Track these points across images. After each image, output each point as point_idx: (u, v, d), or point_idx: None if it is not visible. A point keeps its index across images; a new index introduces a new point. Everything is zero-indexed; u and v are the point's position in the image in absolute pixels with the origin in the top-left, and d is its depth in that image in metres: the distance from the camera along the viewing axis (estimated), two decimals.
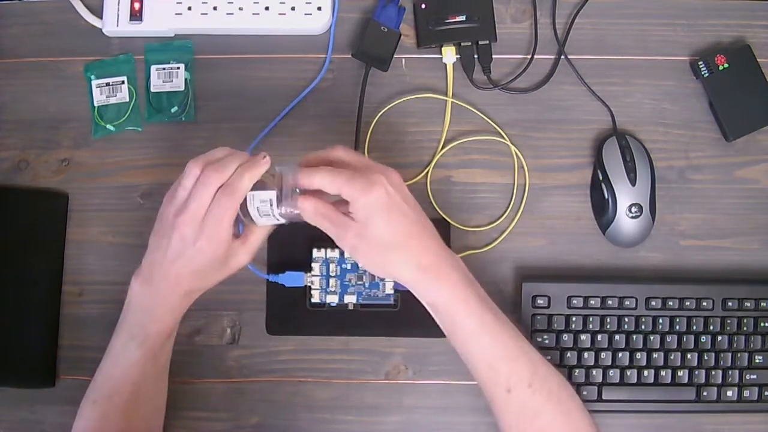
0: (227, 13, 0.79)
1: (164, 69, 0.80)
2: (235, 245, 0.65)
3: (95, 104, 0.79)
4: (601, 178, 0.76)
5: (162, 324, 0.65)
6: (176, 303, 0.66)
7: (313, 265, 0.75)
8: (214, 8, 0.79)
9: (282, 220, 0.64)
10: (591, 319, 0.74)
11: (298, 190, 0.63)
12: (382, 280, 0.75)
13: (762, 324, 0.74)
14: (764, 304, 0.74)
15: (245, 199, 0.63)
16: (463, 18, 0.78)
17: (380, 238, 0.61)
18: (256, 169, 0.63)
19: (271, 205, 0.63)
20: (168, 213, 0.63)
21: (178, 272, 0.64)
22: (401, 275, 0.62)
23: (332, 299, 0.75)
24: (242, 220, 0.65)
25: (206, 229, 0.62)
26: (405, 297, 0.75)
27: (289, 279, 0.75)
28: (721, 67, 0.77)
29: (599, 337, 0.74)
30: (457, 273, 0.63)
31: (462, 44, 0.79)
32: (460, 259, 0.64)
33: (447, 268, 0.63)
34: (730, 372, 0.74)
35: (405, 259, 0.62)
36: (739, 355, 0.74)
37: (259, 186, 0.63)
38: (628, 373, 0.74)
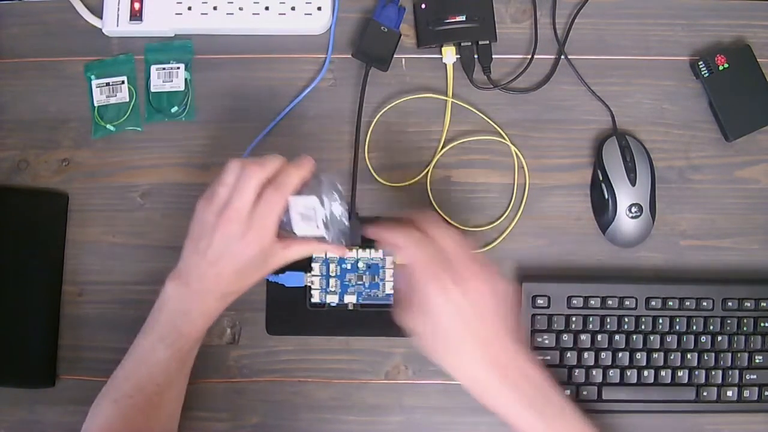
0: (227, 13, 0.79)
1: (164, 69, 0.80)
2: (277, 247, 0.65)
3: (95, 104, 0.79)
4: (601, 178, 0.76)
5: (194, 327, 0.66)
6: (212, 305, 0.66)
7: (313, 265, 0.75)
8: (214, 8, 0.79)
9: (321, 231, 0.64)
10: (591, 319, 0.74)
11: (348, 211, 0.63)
12: (382, 279, 0.75)
13: (762, 324, 0.74)
14: (764, 304, 0.74)
15: (289, 206, 0.63)
16: (463, 18, 0.78)
17: (440, 336, 0.60)
18: (303, 167, 0.63)
19: (315, 211, 0.63)
20: (208, 214, 0.63)
21: (219, 272, 0.64)
22: (458, 377, 0.61)
23: (332, 299, 0.75)
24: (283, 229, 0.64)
25: (254, 223, 0.62)
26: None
27: (289, 279, 0.75)
28: (721, 67, 0.77)
29: (599, 337, 0.74)
30: (516, 392, 0.60)
31: (462, 44, 0.79)
32: (534, 370, 0.61)
33: (495, 376, 0.61)
34: (730, 372, 0.74)
35: (463, 366, 0.61)
36: (739, 355, 0.74)
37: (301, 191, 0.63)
38: (628, 373, 0.74)
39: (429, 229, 0.62)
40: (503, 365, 0.61)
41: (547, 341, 0.74)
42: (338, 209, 0.64)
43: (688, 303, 0.74)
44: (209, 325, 0.67)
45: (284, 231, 0.65)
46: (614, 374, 0.74)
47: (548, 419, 0.60)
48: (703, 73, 0.78)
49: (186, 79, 0.80)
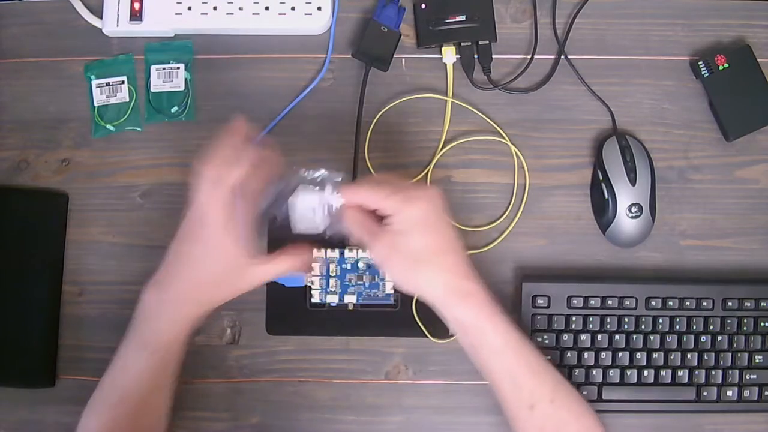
0: (227, 13, 0.79)
1: (164, 69, 0.80)
2: (259, 261, 0.65)
3: (95, 104, 0.79)
4: (601, 178, 0.76)
5: (174, 333, 0.65)
6: (191, 312, 0.66)
7: (313, 265, 0.75)
8: (214, 8, 0.79)
9: (320, 226, 0.65)
10: (591, 319, 0.74)
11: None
12: (383, 279, 0.75)
13: (762, 324, 0.74)
14: (764, 304, 0.74)
15: (289, 205, 0.63)
16: (463, 18, 0.78)
17: (414, 251, 0.62)
18: (242, 158, 0.62)
19: (314, 210, 0.63)
20: (190, 219, 0.63)
21: (196, 279, 0.64)
22: (430, 290, 0.63)
23: (332, 299, 0.75)
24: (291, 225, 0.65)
25: (226, 236, 0.62)
26: (405, 297, 0.75)
27: (289, 279, 0.75)
28: (721, 67, 0.77)
29: (599, 337, 0.74)
30: (483, 292, 0.63)
31: (462, 44, 0.79)
32: (483, 282, 0.64)
33: (475, 286, 0.63)
34: (730, 372, 0.74)
35: (436, 274, 0.62)
36: (739, 355, 0.74)
37: (294, 186, 0.64)
38: (628, 373, 0.74)
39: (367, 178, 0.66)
40: (467, 274, 0.63)
41: (547, 341, 0.74)
42: (337, 201, 0.64)
43: (688, 303, 0.74)
44: (191, 331, 0.67)
45: (283, 226, 0.65)
46: (614, 374, 0.74)
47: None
48: (703, 73, 0.78)
49: (186, 79, 0.80)
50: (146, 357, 0.65)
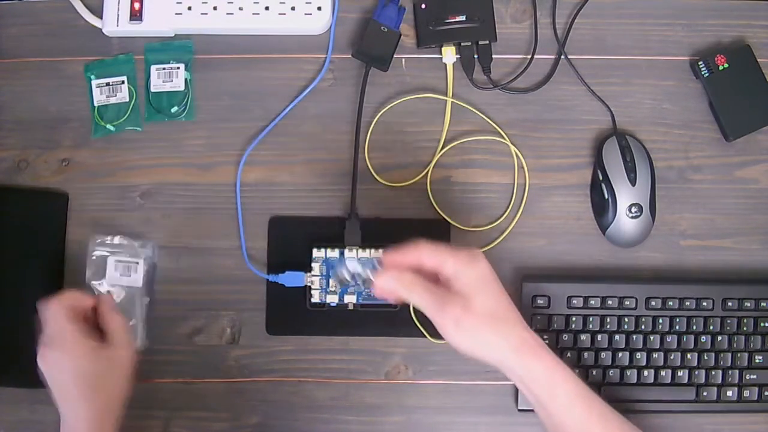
0: (227, 13, 0.79)
1: (164, 69, 0.80)
2: (104, 345, 0.66)
3: (95, 104, 0.79)
4: (601, 178, 0.76)
5: None
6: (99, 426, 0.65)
7: (313, 265, 0.75)
8: (214, 8, 0.79)
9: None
10: (591, 319, 0.74)
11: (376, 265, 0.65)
12: None
13: (762, 324, 0.74)
14: (764, 304, 0.74)
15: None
16: (463, 18, 0.78)
17: (487, 309, 0.61)
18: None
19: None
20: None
21: (77, 394, 0.65)
22: (504, 344, 0.61)
23: (332, 299, 0.75)
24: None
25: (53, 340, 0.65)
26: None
27: (289, 279, 0.75)
28: (721, 67, 0.77)
29: (599, 337, 0.74)
30: (545, 346, 0.63)
31: (462, 44, 0.79)
32: None
33: (539, 339, 0.63)
34: (730, 372, 0.74)
35: (509, 330, 0.62)
36: (739, 355, 0.74)
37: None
38: (628, 373, 0.74)
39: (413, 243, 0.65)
40: (530, 331, 0.63)
41: (547, 341, 0.73)
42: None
43: (688, 303, 0.74)
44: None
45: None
46: (614, 374, 0.74)
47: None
48: (703, 73, 0.78)
49: (186, 79, 0.80)
50: None
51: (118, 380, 0.67)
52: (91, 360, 0.65)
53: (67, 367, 0.65)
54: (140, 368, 0.76)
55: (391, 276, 0.63)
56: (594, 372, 0.74)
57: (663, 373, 0.74)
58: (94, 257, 0.76)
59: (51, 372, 0.66)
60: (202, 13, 0.79)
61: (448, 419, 0.76)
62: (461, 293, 0.61)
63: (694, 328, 0.74)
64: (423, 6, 0.79)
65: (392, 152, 0.79)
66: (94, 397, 0.65)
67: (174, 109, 0.79)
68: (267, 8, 0.79)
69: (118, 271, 0.76)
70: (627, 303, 0.74)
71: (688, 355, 0.74)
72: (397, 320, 0.75)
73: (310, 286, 0.75)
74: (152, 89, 0.80)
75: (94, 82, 0.80)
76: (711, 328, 0.74)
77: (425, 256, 0.63)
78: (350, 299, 0.75)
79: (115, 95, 0.80)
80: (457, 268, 0.61)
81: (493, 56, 0.79)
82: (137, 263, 0.76)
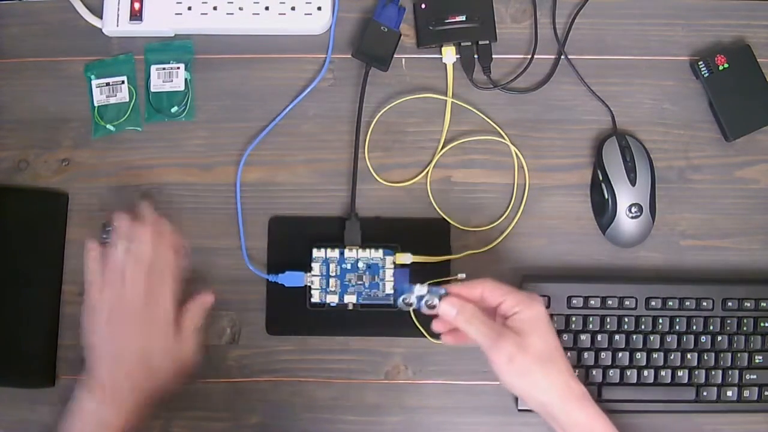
0: (227, 13, 0.79)
1: (164, 69, 0.80)
2: (178, 338, 0.68)
3: (95, 104, 0.79)
4: (601, 178, 0.76)
5: None
6: (131, 407, 0.65)
7: (313, 265, 0.75)
8: (214, 8, 0.79)
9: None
10: (591, 319, 0.74)
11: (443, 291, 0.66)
12: (382, 279, 0.75)
13: (762, 324, 0.74)
14: (764, 304, 0.74)
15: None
16: (463, 18, 0.78)
17: (540, 351, 0.63)
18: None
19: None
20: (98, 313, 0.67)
21: (131, 377, 0.65)
22: (552, 389, 0.63)
23: (332, 299, 0.75)
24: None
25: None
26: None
27: (289, 279, 0.75)
28: (721, 67, 0.77)
29: (599, 337, 0.74)
30: (589, 396, 0.64)
31: (462, 44, 0.79)
32: None
33: (584, 388, 0.64)
34: (729, 372, 0.74)
35: (557, 375, 0.63)
36: (738, 355, 0.74)
37: None
38: (628, 373, 0.74)
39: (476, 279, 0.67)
40: (577, 383, 0.64)
41: None
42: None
43: (688, 303, 0.74)
44: (137, 426, 0.66)
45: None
46: (614, 374, 0.74)
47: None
48: (703, 73, 0.78)
49: (186, 79, 0.80)
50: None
51: (170, 380, 0.68)
52: (165, 348, 0.67)
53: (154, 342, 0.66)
54: None
55: (454, 305, 0.65)
56: (594, 372, 0.74)
57: (663, 373, 0.74)
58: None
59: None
60: (202, 13, 0.79)
61: (448, 419, 0.76)
62: (516, 330, 0.63)
63: (694, 328, 0.74)
64: (423, 6, 0.79)
65: (392, 152, 0.79)
66: (146, 382, 0.66)
67: (174, 109, 0.79)
68: (267, 8, 0.79)
69: None
70: (627, 303, 0.74)
71: (688, 355, 0.74)
72: (397, 320, 0.75)
73: (310, 286, 0.75)
74: (152, 89, 0.80)
75: (94, 82, 0.80)
76: (711, 328, 0.74)
77: (488, 290, 0.65)
78: (350, 299, 0.75)
79: (115, 95, 0.80)
80: (516, 307, 0.64)
81: (493, 56, 0.79)
82: None
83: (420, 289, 0.66)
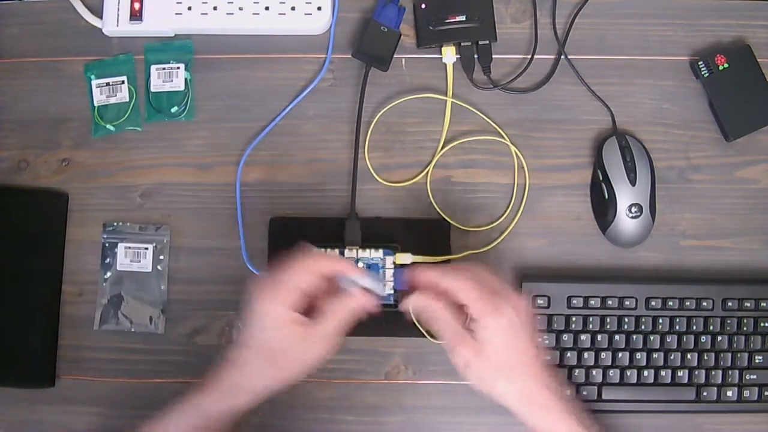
0: (227, 13, 0.79)
1: (164, 69, 0.80)
2: (309, 332, 0.63)
3: (95, 104, 0.79)
4: (601, 178, 0.76)
5: (214, 403, 0.64)
6: (234, 386, 0.64)
7: None
8: (214, 8, 0.79)
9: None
10: (591, 319, 0.74)
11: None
12: (383, 279, 0.75)
13: (762, 324, 0.74)
14: (764, 304, 0.74)
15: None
16: (463, 18, 0.78)
17: (497, 360, 0.63)
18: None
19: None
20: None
21: (246, 349, 0.64)
22: (507, 397, 0.64)
23: None
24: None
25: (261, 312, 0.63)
26: (405, 297, 0.75)
27: None
28: (721, 67, 0.77)
29: (599, 337, 0.74)
30: (559, 404, 0.64)
31: (462, 44, 0.79)
32: (562, 389, 0.65)
33: (551, 397, 0.64)
34: (730, 372, 0.74)
35: (514, 384, 0.63)
36: (739, 355, 0.74)
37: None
38: (628, 373, 0.74)
39: (460, 266, 0.66)
40: (547, 384, 0.64)
41: (547, 341, 0.74)
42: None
43: (688, 303, 0.74)
44: (231, 416, 0.64)
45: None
46: (614, 374, 0.74)
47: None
48: (703, 73, 0.78)
49: (186, 79, 0.80)
50: (189, 421, 0.64)
51: (302, 363, 0.65)
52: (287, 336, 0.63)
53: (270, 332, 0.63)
54: (140, 368, 0.76)
55: (422, 300, 0.65)
56: (594, 372, 0.74)
57: (663, 373, 0.74)
58: (106, 244, 0.76)
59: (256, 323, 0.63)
60: (202, 13, 0.79)
61: (448, 419, 0.76)
62: (478, 338, 0.63)
63: (694, 328, 0.74)
64: (423, 6, 0.79)
65: (392, 152, 0.79)
66: (270, 372, 0.64)
67: (174, 109, 0.79)
68: (267, 8, 0.79)
69: (128, 257, 0.76)
70: (627, 303, 0.74)
71: (688, 355, 0.74)
72: (397, 320, 0.75)
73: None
74: (152, 89, 0.80)
75: (94, 82, 0.80)
76: (711, 328, 0.74)
77: (457, 292, 0.63)
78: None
79: (115, 95, 0.80)
80: (480, 315, 0.63)
81: (493, 56, 0.79)
82: (146, 249, 0.76)
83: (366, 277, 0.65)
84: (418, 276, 0.66)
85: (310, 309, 0.64)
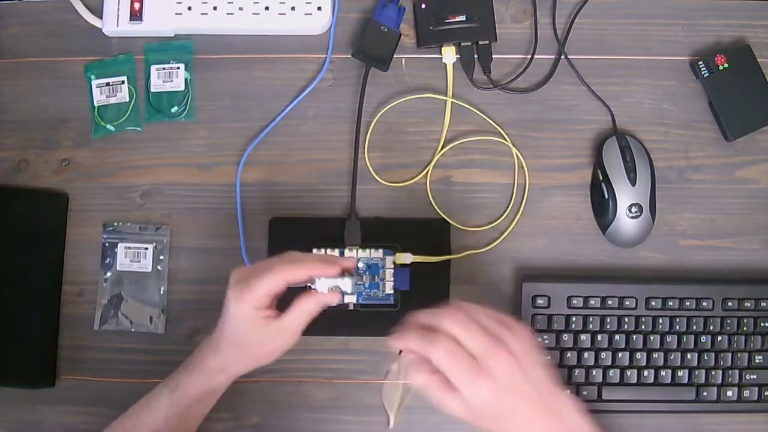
0: (227, 13, 0.79)
1: (164, 69, 0.80)
2: (275, 325, 0.65)
3: (95, 104, 0.79)
4: (601, 178, 0.76)
5: (194, 383, 0.67)
6: (215, 379, 0.67)
7: None
8: (214, 8, 0.79)
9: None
10: (591, 319, 0.74)
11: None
12: (382, 279, 0.75)
13: (762, 324, 0.74)
14: (764, 304, 0.74)
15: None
16: (463, 18, 0.78)
17: (487, 414, 0.58)
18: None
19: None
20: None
21: (222, 338, 0.66)
22: None
23: None
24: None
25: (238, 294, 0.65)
26: (405, 297, 0.75)
27: None
28: (721, 67, 0.77)
29: (599, 337, 0.74)
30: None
31: (462, 44, 0.79)
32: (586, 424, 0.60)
33: (552, 425, 0.58)
34: (729, 372, 0.74)
35: (511, 428, 0.58)
36: (739, 355, 0.74)
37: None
38: (628, 373, 0.74)
39: (437, 314, 0.60)
40: (565, 419, 0.59)
41: (547, 341, 0.74)
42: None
43: (688, 303, 0.74)
44: (210, 390, 0.68)
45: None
46: (614, 374, 0.74)
47: None
48: (703, 73, 0.78)
49: (186, 79, 0.80)
50: (166, 395, 0.66)
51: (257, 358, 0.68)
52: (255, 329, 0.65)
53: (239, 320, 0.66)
54: (140, 368, 0.76)
55: (410, 357, 0.61)
56: (594, 372, 0.74)
57: (663, 373, 0.74)
58: (106, 244, 0.77)
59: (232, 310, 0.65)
60: (202, 13, 0.79)
61: (448, 419, 0.75)
62: (464, 400, 0.58)
63: (694, 328, 0.74)
64: (423, 6, 0.79)
65: (392, 152, 0.79)
66: (234, 357, 0.67)
67: (174, 109, 0.79)
68: (267, 8, 0.79)
69: (128, 257, 0.76)
70: (627, 303, 0.74)
71: (688, 355, 0.74)
72: (397, 320, 0.75)
73: (310, 286, 0.75)
74: (152, 89, 0.80)
75: (94, 82, 0.80)
76: (711, 328, 0.74)
77: (433, 361, 0.58)
78: (350, 299, 0.75)
79: (115, 95, 0.80)
80: (458, 384, 0.58)
81: (493, 56, 0.79)
82: (146, 249, 0.76)
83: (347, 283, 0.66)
84: (401, 343, 0.62)
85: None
